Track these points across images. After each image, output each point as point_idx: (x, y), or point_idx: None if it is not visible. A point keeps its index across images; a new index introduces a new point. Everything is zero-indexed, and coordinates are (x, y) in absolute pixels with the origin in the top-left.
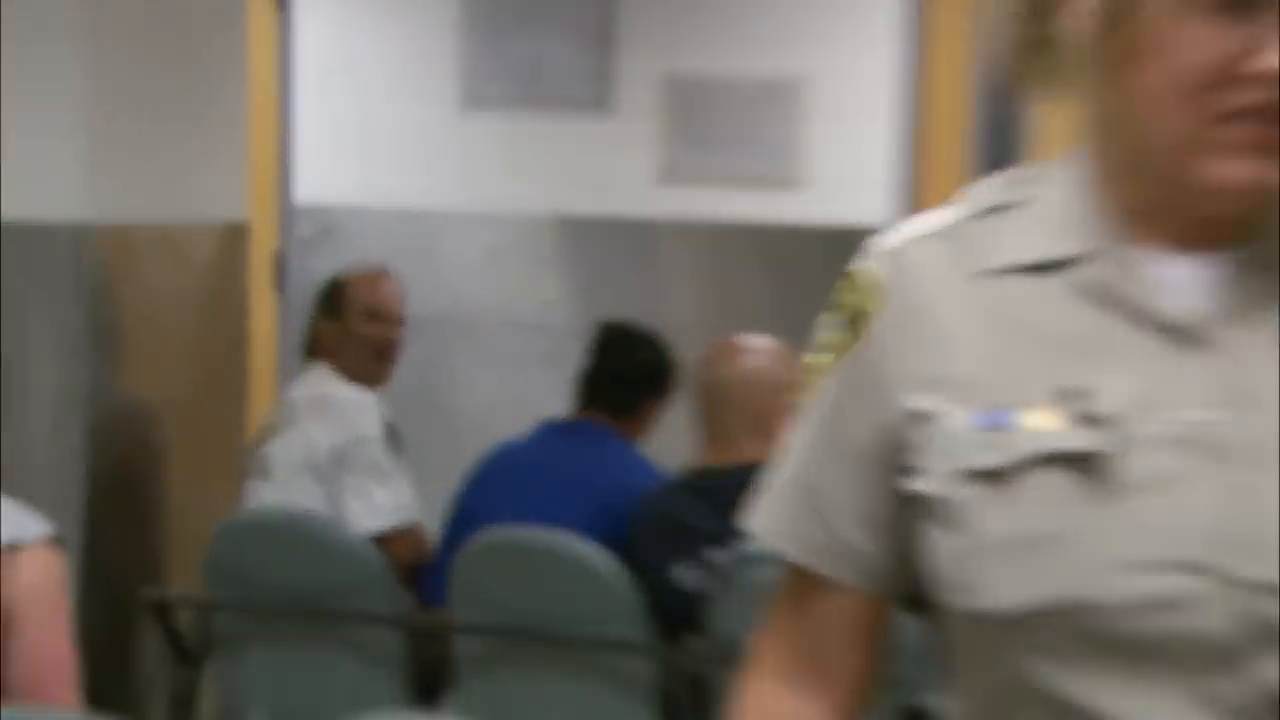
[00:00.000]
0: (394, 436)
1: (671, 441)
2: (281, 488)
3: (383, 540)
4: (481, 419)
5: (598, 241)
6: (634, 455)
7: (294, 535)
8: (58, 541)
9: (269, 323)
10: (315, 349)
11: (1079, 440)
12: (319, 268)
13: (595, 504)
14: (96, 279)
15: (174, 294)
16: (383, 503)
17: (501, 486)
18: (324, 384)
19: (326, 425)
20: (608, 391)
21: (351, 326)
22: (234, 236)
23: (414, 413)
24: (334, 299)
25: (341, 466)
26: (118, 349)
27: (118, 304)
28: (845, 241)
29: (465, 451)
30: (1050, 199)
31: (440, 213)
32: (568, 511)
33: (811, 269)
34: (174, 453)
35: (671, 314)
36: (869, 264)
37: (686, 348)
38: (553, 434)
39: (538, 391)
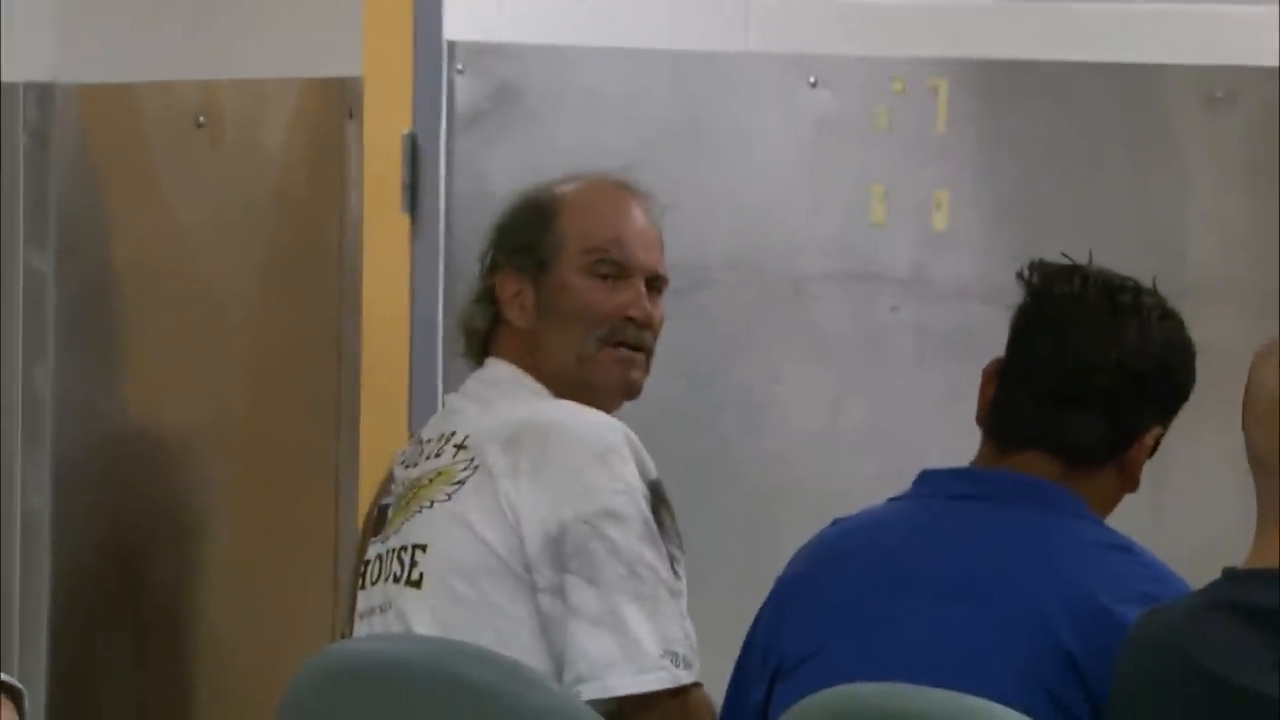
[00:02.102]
0: (661, 510)
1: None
2: (436, 601)
3: (639, 709)
4: (808, 466)
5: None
6: (1115, 541)
7: (459, 696)
8: (10, 694)
9: (396, 276)
10: (492, 333)
11: None
12: (493, 169)
13: (1035, 641)
14: (67, 196)
15: (212, 219)
16: (645, 638)
17: (848, 603)
18: (517, 399)
19: (536, 483)
20: (1060, 410)
21: (565, 289)
22: (329, 102)
23: (685, 454)
24: (529, 235)
25: (561, 566)
26: (108, 332)
27: (105, 241)
28: None
29: (775, 529)
30: None
31: (738, 53)
32: (980, 655)
33: None
34: (213, 526)
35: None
36: None
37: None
38: (946, 502)
39: (919, 409)
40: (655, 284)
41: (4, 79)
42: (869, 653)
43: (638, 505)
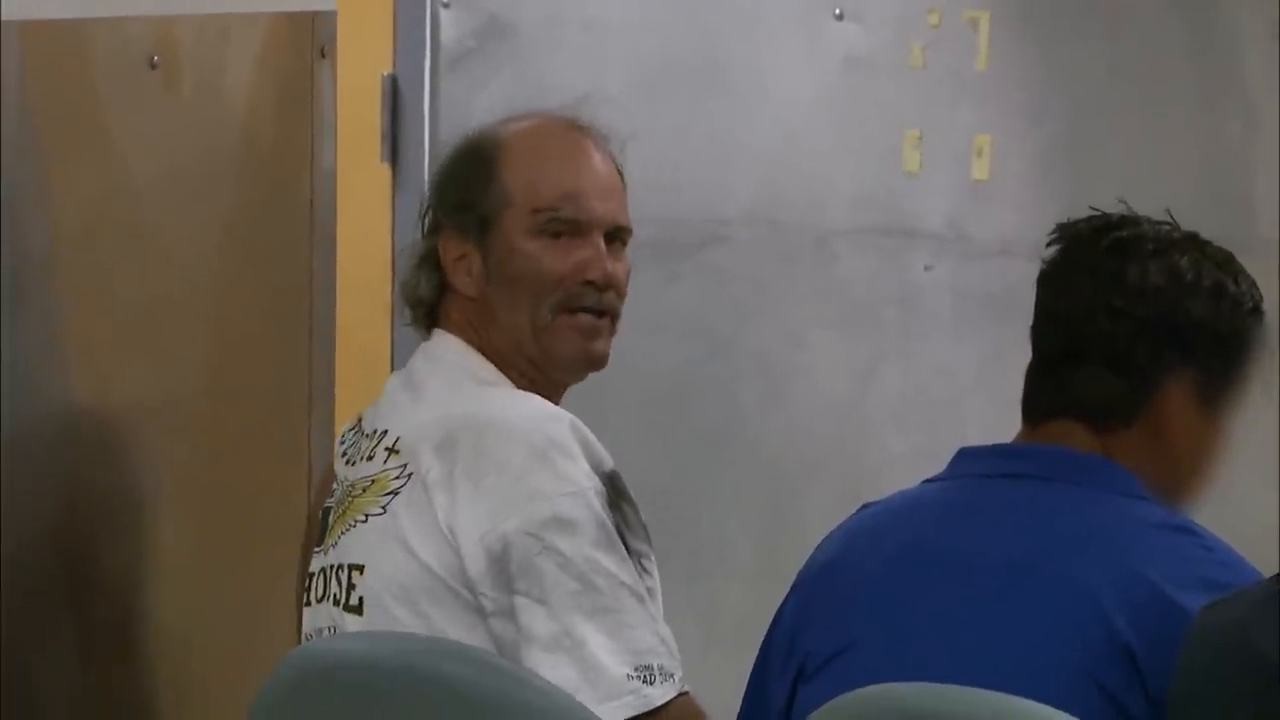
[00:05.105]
0: (621, 504)
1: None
2: (378, 628)
3: None
4: (834, 441)
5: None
6: (1173, 522)
7: (443, 697)
8: None
9: (375, 233)
10: (440, 301)
11: None
12: (482, 113)
13: (1088, 634)
14: (7, 147)
15: (169, 171)
16: (608, 659)
17: (878, 596)
18: (455, 387)
19: (473, 492)
20: (1066, 367)
21: (513, 253)
22: (299, 40)
23: (699, 428)
24: (469, 191)
25: (507, 586)
26: (54, 300)
27: (49, 197)
28: None
29: (798, 510)
30: None
31: None
32: (1026, 650)
33: None
34: (172, 514)
35: None
36: None
37: None
38: (984, 482)
39: (957, 379)
40: (617, 235)
41: None
42: (903, 650)
43: (589, 507)
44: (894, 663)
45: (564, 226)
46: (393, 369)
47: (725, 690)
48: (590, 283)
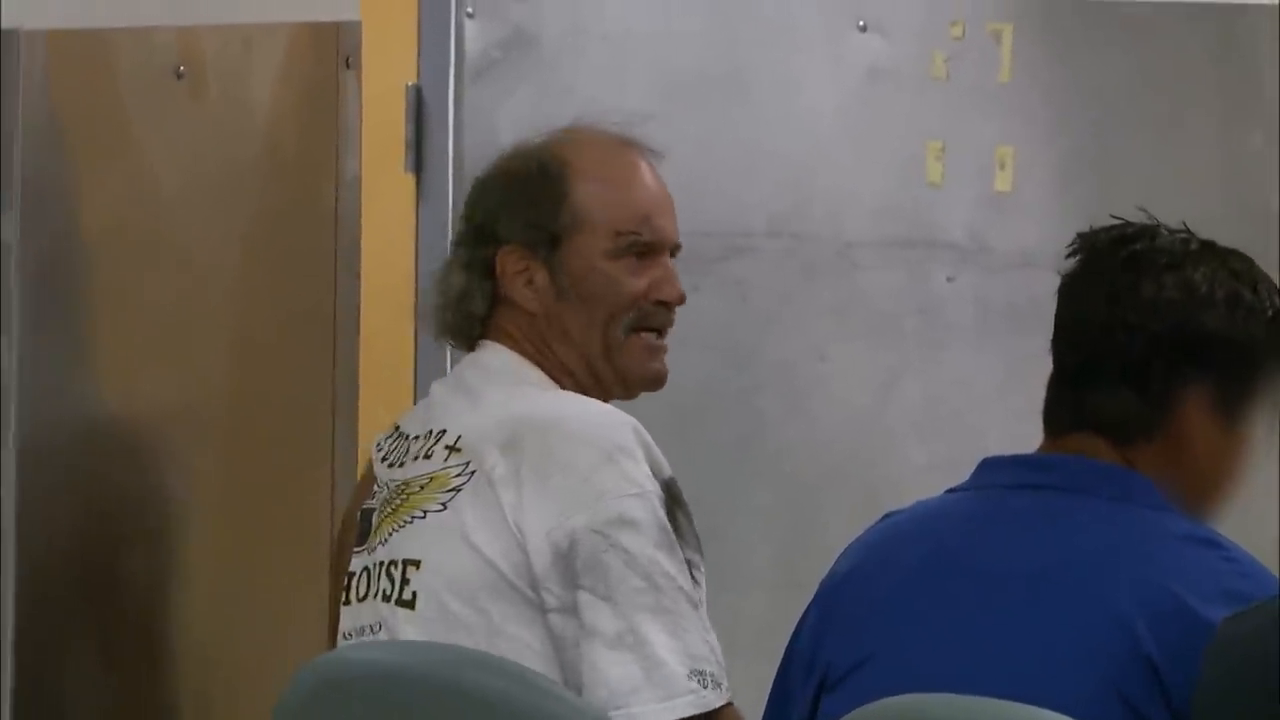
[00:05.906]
0: (676, 512)
1: None
2: (431, 623)
3: None
4: (855, 453)
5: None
6: (1197, 533)
7: (465, 706)
8: None
9: (399, 242)
10: (489, 313)
11: None
12: (506, 123)
13: (1111, 646)
14: (32, 155)
15: (193, 180)
16: (670, 658)
17: (901, 606)
18: (513, 392)
19: (540, 490)
20: (1085, 382)
21: (592, 272)
22: (324, 50)
23: (721, 440)
24: (540, 211)
25: (572, 582)
26: (78, 307)
27: (74, 205)
28: None
29: (820, 522)
30: None
31: None
32: (1049, 662)
33: None
34: (194, 522)
35: None
36: None
37: None
38: (1007, 492)
39: (979, 390)
40: (674, 253)
41: None
42: (925, 660)
43: (653, 509)
44: (916, 673)
45: (643, 248)
46: (416, 377)
47: (747, 700)
48: (663, 303)
